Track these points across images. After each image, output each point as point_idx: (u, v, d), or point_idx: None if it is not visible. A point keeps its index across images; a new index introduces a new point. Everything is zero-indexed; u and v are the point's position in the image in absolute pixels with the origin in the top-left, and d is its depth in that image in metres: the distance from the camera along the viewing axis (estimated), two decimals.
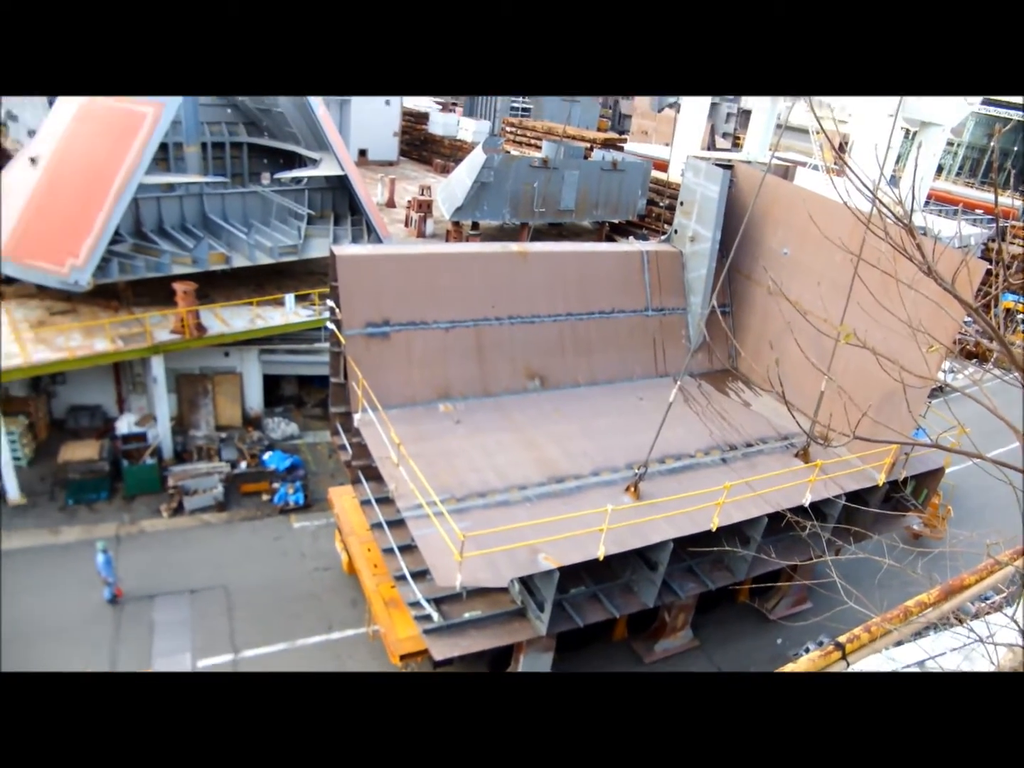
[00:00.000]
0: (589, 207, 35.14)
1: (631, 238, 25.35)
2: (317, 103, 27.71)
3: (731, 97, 73.62)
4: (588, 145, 41.57)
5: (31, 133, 32.03)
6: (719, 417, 17.68)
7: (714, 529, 13.74)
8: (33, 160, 24.19)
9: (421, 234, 35.56)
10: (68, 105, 24.44)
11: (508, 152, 39.92)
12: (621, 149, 44.07)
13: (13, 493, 21.36)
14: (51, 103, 28.16)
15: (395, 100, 52.42)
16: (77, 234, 22.13)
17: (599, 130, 59.58)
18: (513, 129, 51.30)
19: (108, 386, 25.15)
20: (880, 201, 5.58)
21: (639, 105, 69.13)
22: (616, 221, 37.25)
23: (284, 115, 29.64)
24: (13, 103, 36.62)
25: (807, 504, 14.57)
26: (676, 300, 19.37)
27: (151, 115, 22.63)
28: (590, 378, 17.88)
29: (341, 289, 15.62)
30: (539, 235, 35.49)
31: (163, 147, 26.24)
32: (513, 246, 18.09)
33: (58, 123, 24.62)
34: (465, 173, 33.24)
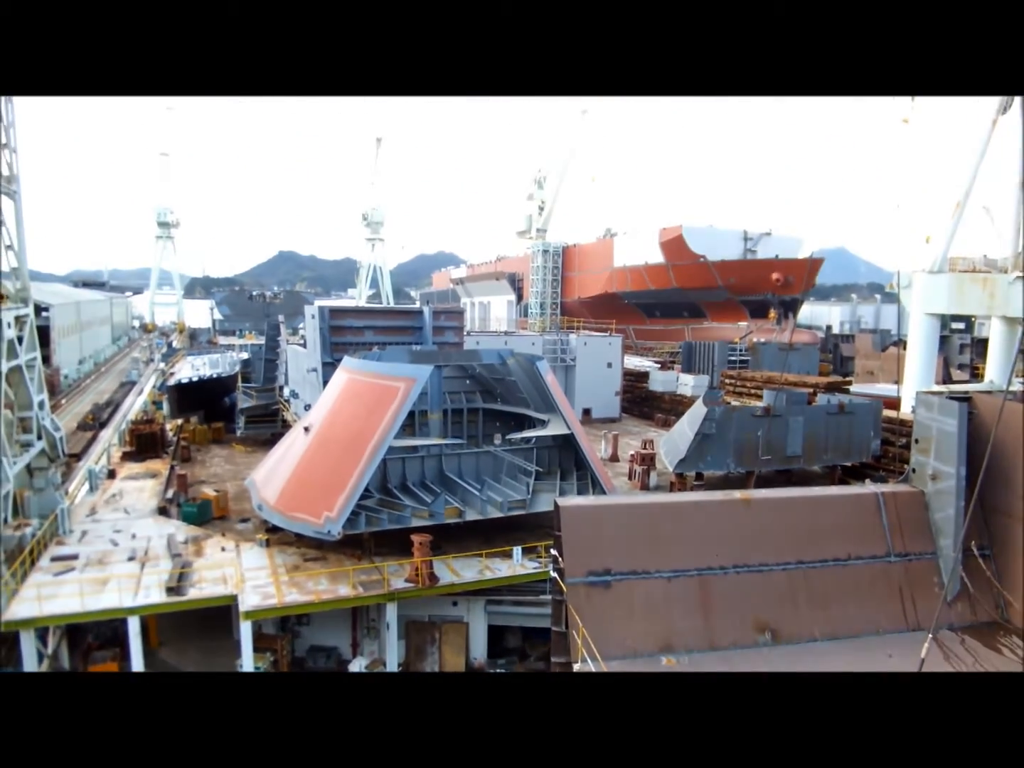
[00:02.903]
0: (818, 452, 34.07)
1: (867, 481, 23.96)
2: (546, 370, 30.39)
3: (963, 327, 70.15)
4: (811, 390, 41.10)
5: (307, 407, 37.84)
6: None
7: None
8: (306, 429, 28.43)
9: (645, 486, 35.94)
10: (337, 384, 28.86)
11: (729, 403, 40.39)
12: (847, 391, 42.98)
13: None
14: (324, 384, 33.35)
15: (616, 362, 55.98)
16: (333, 491, 25.04)
17: (821, 374, 58.88)
18: (732, 380, 52.17)
19: (345, 629, 26.75)
20: None
21: (861, 346, 68.11)
22: (848, 464, 35.55)
23: (516, 382, 32.66)
24: (296, 383, 43.62)
25: None
26: (923, 544, 17.62)
27: (403, 389, 26.01)
28: (828, 632, 16.27)
29: (564, 538, 16.06)
30: (766, 482, 34.50)
31: (410, 414, 29.55)
32: (736, 493, 17.84)
33: (328, 399, 28.98)
34: (687, 426, 33.92)
